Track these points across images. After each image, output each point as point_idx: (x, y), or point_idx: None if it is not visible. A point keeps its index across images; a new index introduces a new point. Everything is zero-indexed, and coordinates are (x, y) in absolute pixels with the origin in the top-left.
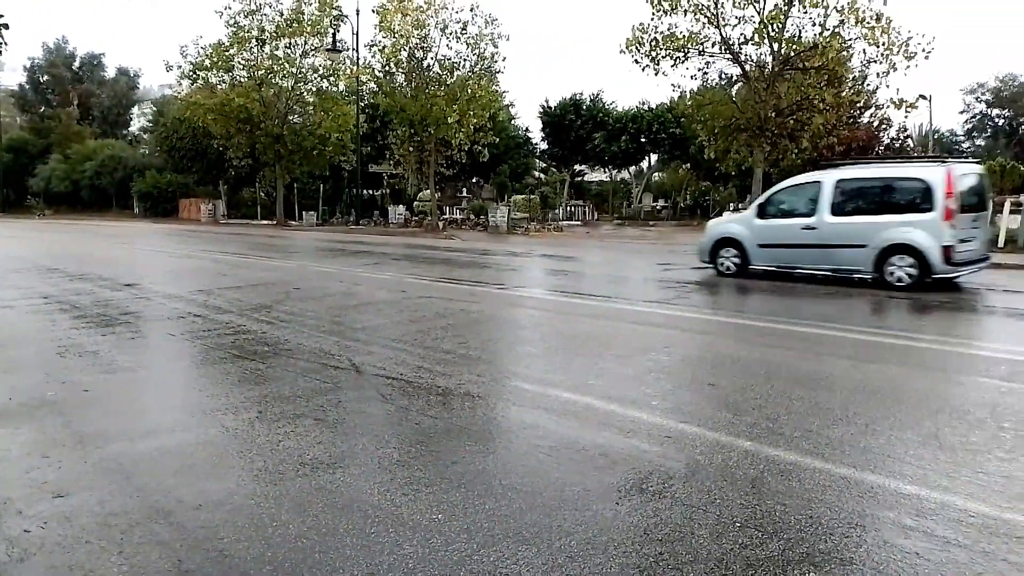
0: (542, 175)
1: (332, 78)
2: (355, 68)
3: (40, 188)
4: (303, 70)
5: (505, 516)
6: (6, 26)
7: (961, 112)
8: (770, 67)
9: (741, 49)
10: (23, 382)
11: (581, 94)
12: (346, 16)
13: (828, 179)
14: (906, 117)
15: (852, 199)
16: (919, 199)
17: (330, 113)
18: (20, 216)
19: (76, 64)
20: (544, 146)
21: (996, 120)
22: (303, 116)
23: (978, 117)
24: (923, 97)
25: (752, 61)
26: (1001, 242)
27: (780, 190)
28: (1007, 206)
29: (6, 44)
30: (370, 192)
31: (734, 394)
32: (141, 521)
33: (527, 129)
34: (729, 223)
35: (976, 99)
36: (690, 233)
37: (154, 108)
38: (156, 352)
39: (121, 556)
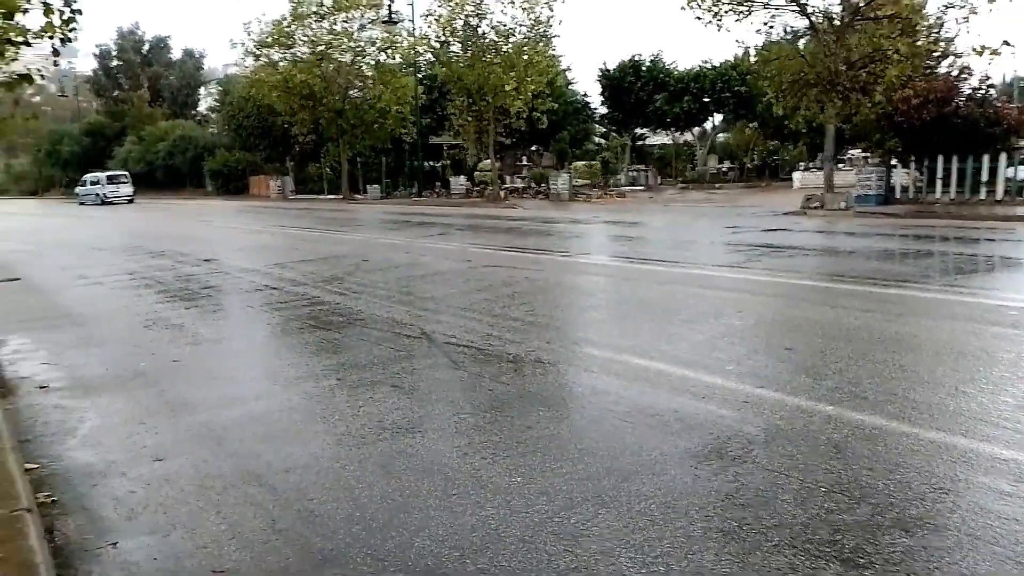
0: (602, 140)
1: (389, 51)
2: (412, 39)
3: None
4: (361, 43)
5: (583, 480)
6: (79, 11)
7: None
8: (839, 18)
9: (808, 1)
10: (116, 354)
11: (640, 55)
12: None
13: (88, 176)
14: (989, 64)
15: (93, 181)
16: (101, 181)
17: (389, 86)
18: None
19: (145, 48)
20: (604, 110)
21: None
22: (363, 90)
23: None
24: (1007, 43)
25: (820, 13)
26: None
27: (85, 177)
28: None
29: (80, 29)
30: (431, 164)
31: (812, 358)
32: (235, 483)
33: (586, 94)
34: (78, 188)
35: None
36: (759, 195)
37: (220, 88)
38: (237, 324)
39: (219, 516)
